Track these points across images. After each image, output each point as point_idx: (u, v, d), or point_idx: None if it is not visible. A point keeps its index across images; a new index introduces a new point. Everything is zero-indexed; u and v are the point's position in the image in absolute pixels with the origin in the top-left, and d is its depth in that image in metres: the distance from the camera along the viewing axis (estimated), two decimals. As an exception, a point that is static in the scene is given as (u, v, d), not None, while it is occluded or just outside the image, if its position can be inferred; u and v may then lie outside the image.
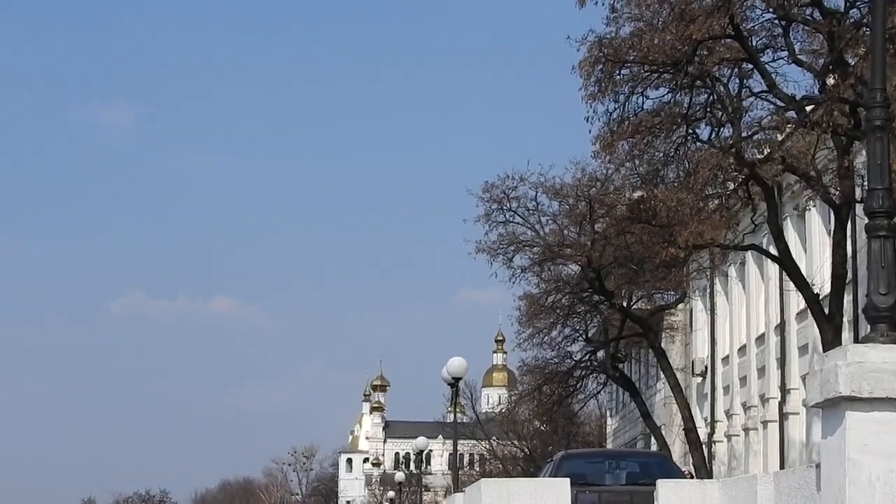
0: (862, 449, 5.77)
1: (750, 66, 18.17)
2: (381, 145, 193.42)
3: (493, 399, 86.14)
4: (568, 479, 13.70)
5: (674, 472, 17.26)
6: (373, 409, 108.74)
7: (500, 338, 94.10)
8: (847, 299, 21.01)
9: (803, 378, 24.34)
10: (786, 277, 23.59)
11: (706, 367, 35.10)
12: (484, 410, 71.27)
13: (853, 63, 16.88)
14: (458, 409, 37.55)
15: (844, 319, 20.99)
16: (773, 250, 22.55)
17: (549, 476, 16.26)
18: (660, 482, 12.70)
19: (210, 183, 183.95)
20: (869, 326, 5.97)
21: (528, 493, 13.55)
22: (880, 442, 5.74)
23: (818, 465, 6.79)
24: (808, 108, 17.73)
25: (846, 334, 21.64)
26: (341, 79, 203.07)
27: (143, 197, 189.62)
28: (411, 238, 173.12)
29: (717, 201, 21.61)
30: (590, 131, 18.96)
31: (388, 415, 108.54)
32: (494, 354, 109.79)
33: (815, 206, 23.85)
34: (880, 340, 5.98)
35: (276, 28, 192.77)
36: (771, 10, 17.65)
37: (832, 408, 6.06)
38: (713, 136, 19.13)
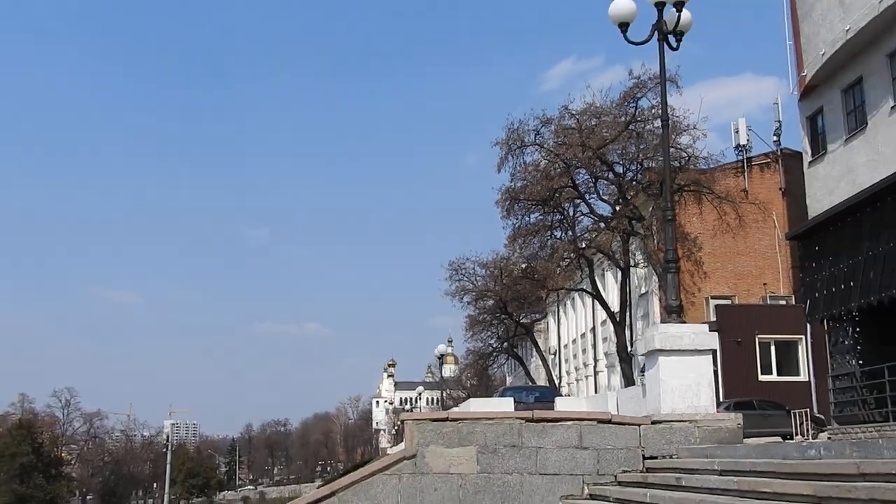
0: (667, 375, 10.33)
1: (580, 201, 34.77)
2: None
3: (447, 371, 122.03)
4: (511, 398, 28.01)
5: (558, 395, 33.44)
6: (388, 376, 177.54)
7: (451, 339, 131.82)
8: (628, 314, 38.60)
9: (606, 354, 43.60)
10: (597, 304, 41.31)
11: (556, 350, 55.56)
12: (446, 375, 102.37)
13: (631, 196, 33.82)
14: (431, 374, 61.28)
15: (627, 325, 38.39)
16: (590, 289, 39.68)
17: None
18: (557, 399, 28.43)
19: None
20: (660, 318, 19.82)
21: (495, 403, 27.76)
22: (674, 371, 10.34)
23: (643, 385, 11.69)
24: (610, 221, 34.62)
25: (628, 332, 39.16)
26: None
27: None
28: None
29: (563, 266, 38.52)
30: (504, 231, 35.43)
31: (396, 378, 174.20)
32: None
33: (611, 268, 41.66)
34: (672, 321, 10.86)
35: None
36: (588, 174, 34.37)
37: (652, 356, 10.56)
38: (563, 235, 35.74)
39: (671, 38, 11.94)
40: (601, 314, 45.55)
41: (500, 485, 10.07)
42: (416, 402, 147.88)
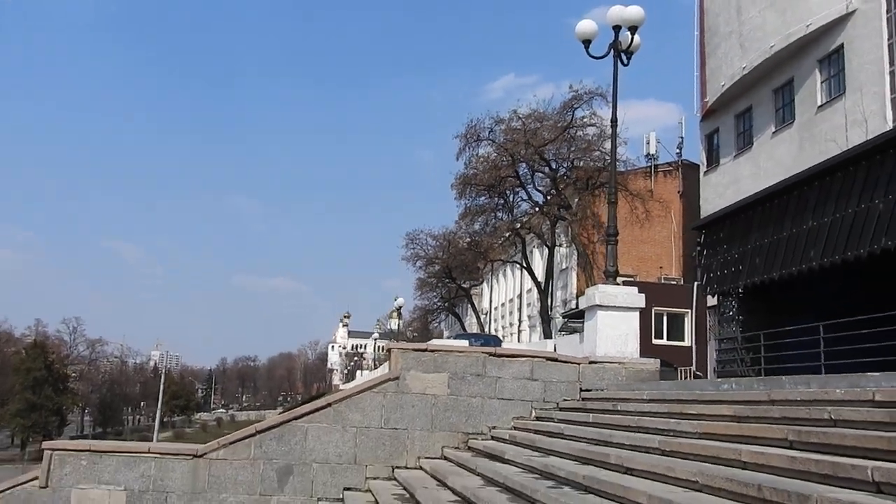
0: (603, 325, 10.66)
1: (520, 189, 35.04)
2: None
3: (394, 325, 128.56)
4: (465, 340, 28.74)
5: (499, 343, 33.92)
6: (343, 325, 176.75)
7: (397, 298, 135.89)
8: (550, 285, 39.08)
9: (528, 316, 44.07)
10: (525, 275, 41.70)
11: (487, 311, 54.58)
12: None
13: (562, 188, 34.17)
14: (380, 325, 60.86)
15: (549, 294, 38.95)
16: (523, 263, 40.06)
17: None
18: (502, 345, 28.86)
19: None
20: (576, 290, 21.17)
21: (453, 343, 28.29)
22: (609, 323, 10.65)
23: (581, 333, 15.67)
24: (543, 207, 34.96)
25: (549, 299, 39.71)
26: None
27: None
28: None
29: (501, 241, 38.83)
30: (457, 209, 35.46)
31: (350, 327, 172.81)
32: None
33: (539, 247, 42.00)
34: (609, 283, 11.12)
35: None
36: (528, 168, 34.63)
37: (592, 310, 10.88)
38: (504, 216, 36.00)
39: (623, 56, 12.10)
40: (527, 284, 46.18)
41: (466, 405, 10.23)
42: (365, 348, 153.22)
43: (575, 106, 30.00)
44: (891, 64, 22.18)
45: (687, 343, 31.72)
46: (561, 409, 10.13)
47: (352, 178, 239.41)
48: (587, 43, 12.28)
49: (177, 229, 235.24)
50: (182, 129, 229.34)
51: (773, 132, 28.03)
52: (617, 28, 11.96)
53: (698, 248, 18.31)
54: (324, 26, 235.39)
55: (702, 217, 32.73)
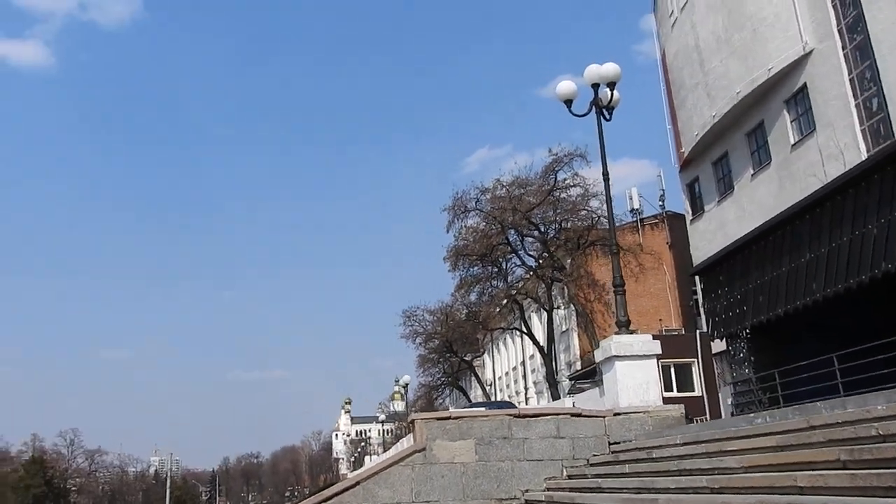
0: (623, 376, 10.63)
1: (512, 255, 35.20)
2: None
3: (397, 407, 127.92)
4: (483, 408, 28.19)
5: (515, 407, 33.31)
6: (345, 412, 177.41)
7: (398, 379, 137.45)
8: (554, 346, 38.84)
9: (534, 383, 43.62)
10: (525, 341, 41.43)
11: (491, 381, 54.12)
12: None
13: (553, 250, 34.34)
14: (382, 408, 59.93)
15: (552, 357, 38.64)
16: (523, 328, 39.86)
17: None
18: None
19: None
20: (580, 351, 21.04)
21: (471, 412, 28.49)
22: (628, 372, 10.63)
23: (600, 387, 15.06)
24: (537, 270, 35.06)
25: (553, 363, 39.39)
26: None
27: None
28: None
29: (499, 310, 38.80)
30: (454, 281, 35.49)
31: (352, 413, 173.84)
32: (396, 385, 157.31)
33: (536, 311, 41.91)
34: (623, 332, 11.22)
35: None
36: (516, 233, 34.87)
37: (608, 361, 10.78)
38: (499, 284, 36.05)
39: (605, 112, 12.45)
40: (528, 349, 45.87)
41: (496, 470, 10.04)
42: (370, 433, 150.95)
43: (556, 168, 30.59)
44: (855, 97, 22.89)
45: (697, 393, 31.47)
46: (592, 465, 9.96)
47: (327, 261, 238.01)
48: (569, 102, 12.65)
49: (164, 329, 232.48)
50: (146, 218, 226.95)
51: (752, 174, 28.57)
52: (596, 86, 12.34)
53: (700, 294, 18.35)
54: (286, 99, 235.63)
55: (695, 264, 32.99)
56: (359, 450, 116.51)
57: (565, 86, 12.60)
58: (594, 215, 31.10)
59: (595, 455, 10.17)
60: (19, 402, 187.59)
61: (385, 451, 78.55)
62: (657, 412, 10.49)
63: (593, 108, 12.41)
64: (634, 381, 10.67)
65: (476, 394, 52.96)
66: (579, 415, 10.46)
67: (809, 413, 6.55)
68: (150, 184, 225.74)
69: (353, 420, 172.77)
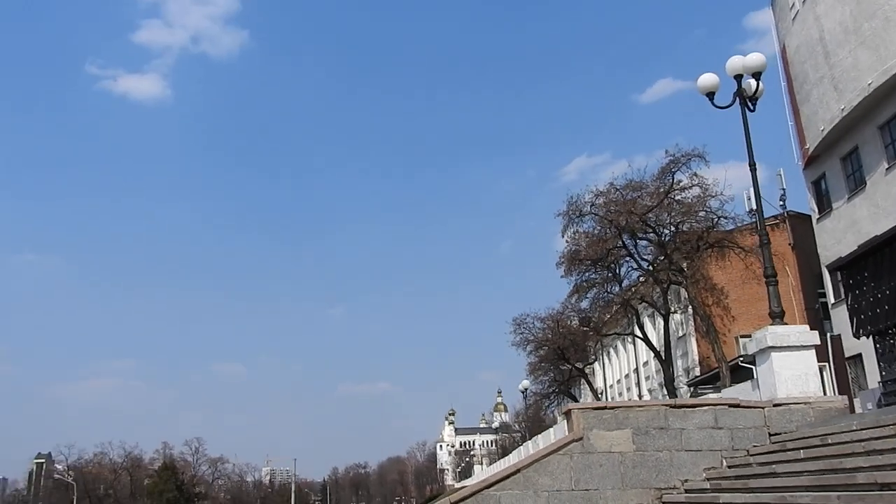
0: (780, 367, 10.44)
1: (629, 258, 34.52)
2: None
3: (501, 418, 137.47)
4: None
5: None
6: (449, 423, 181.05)
7: (500, 391, 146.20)
8: (671, 352, 37.86)
9: (649, 390, 42.35)
10: (639, 347, 40.57)
11: (603, 389, 53.63)
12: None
13: (670, 252, 33.58)
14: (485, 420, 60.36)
15: (671, 361, 37.67)
16: (639, 334, 39.09)
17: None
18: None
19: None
20: (698, 356, 20.38)
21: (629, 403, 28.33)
22: (785, 363, 10.39)
23: (753, 381, 14.04)
24: (657, 273, 34.28)
25: (673, 369, 38.40)
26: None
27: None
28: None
29: (609, 316, 38.30)
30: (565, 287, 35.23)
31: (455, 424, 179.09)
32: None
33: (650, 316, 41.01)
34: (777, 323, 11.23)
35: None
36: (630, 237, 34.04)
37: (764, 353, 10.62)
38: (616, 288, 35.47)
39: (750, 103, 12.29)
40: (642, 356, 44.95)
41: (654, 460, 10.04)
42: (473, 444, 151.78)
43: (674, 170, 29.94)
44: None
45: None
46: (753, 455, 9.80)
47: (431, 271, 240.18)
48: (711, 95, 12.56)
49: (276, 345, 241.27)
50: (256, 232, 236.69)
51: (887, 168, 27.21)
52: (738, 77, 12.21)
53: (843, 290, 17.64)
54: (386, 118, 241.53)
55: (824, 264, 31.58)
56: (467, 459, 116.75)
57: (707, 78, 12.53)
58: (713, 216, 30.25)
59: (755, 446, 10.01)
60: (150, 416, 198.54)
61: (490, 463, 77.97)
62: (819, 403, 10.22)
63: (737, 99, 12.26)
64: (793, 371, 10.44)
65: (587, 402, 52.24)
66: (738, 405, 10.32)
67: None
68: (265, 204, 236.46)
69: (457, 431, 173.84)
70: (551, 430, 25.07)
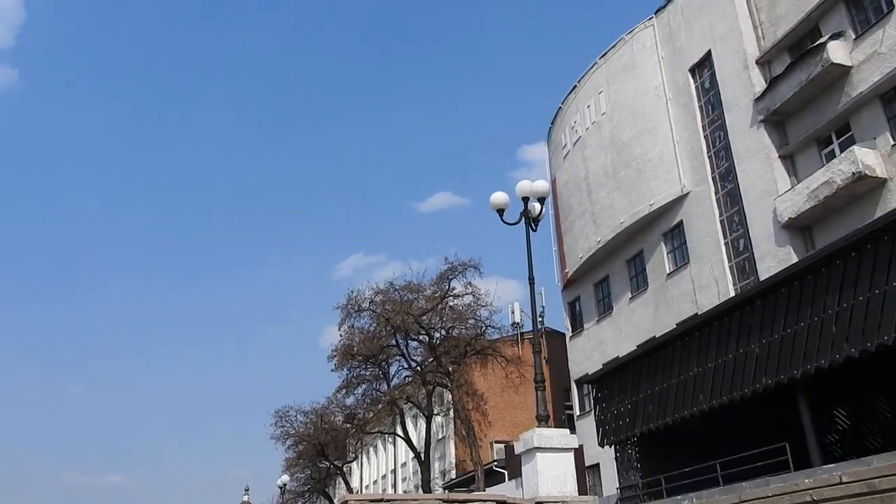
0: (543, 467, 11.07)
1: (400, 357, 35.31)
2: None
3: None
4: None
5: None
6: None
7: (247, 487, 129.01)
8: (430, 454, 38.80)
9: (404, 491, 42.63)
10: (399, 447, 41.06)
11: (358, 489, 52.27)
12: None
13: (438, 356, 34.97)
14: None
15: (431, 462, 38.54)
16: (401, 433, 39.60)
17: None
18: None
19: None
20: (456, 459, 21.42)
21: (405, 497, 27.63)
22: (549, 465, 11.11)
23: (517, 479, 17.54)
24: (424, 374, 35.36)
25: (430, 470, 39.25)
26: None
27: None
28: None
29: (378, 412, 38.56)
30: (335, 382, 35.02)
31: None
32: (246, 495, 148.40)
33: (413, 417, 41.94)
34: (543, 426, 11.77)
35: None
36: (403, 337, 35.14)
37: (530, 453, 11.29)
38: (384, 386, 35.93)
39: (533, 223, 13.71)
40: (401, 457, 45.44)
41: (424, 554, 10.25)
42: None
43: (450, 276, 31.74)
44: (725, 237, 25.92)
45: None
46: (515, 552, 10.37)
47: (195, 348, 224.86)
48: (500, 212, 13.84)
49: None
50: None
51: (630, 298, 31.06)
52: (525, 199, 13.64)
53: (595, 402, 19.59)
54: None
55: (574, 378, 34.66)
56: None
57: (498, 197, 13.82)
58: (482, 324, 32.25)
59: (518, 541, 10.60)
60: None
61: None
62: (574, 502, 11.15)
63: (522, 218, 13.63)
64: (554, 472, 11.31)
65: (366, 494, 51.18)
66: (504, 502, 10.93)
67: (737, 492, 7.49)
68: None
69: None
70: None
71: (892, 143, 20.54)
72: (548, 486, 11.23)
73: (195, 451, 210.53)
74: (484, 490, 27.59)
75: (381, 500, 10.44)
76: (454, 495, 11.34)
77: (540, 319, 42.39)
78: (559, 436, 11.66)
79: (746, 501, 6.98)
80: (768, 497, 6.76)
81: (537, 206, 13.76)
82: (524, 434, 11.97)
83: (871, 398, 16.69)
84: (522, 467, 11.95)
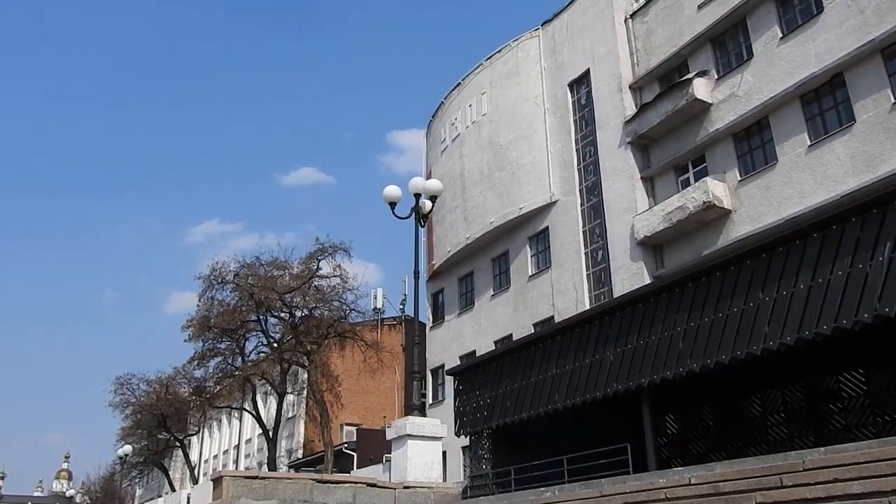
0: (413, 454, 11.79)
1: (259, 332, 34.69)
2: None
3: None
4: None
5: None
6: None
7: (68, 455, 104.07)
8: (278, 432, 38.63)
9: (247, 468, 42.31)
10: (245, 423, 40.56)
11: (197, 463, 50.50)
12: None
13: (300, 334, 34.77)
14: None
15: (279, 440, 38.38)
16: (253, 410, 39.08)
17: None
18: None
19: None
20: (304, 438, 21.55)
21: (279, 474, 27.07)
22: (418, 452, 11.79)
23: (384, 464, 18.23)
24: (282, 353, 35.07)
25: (281, 444, 39.12)
26: None
27: None
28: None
29: (221, 388, 37.91)
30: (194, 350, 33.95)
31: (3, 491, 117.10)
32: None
33: (265, 394, 41.54)
34: (416, 415, 12.39)
35: None
36: (266, 311, 34.70)
37: (401, 439, 11.96)
38: (239, 361, 35.31)
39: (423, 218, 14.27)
40: (246, 433, 44.80)
41: (294, 532, 10.56)
42: None
43: (320, 257, 31.71)
44: (585, 246, 27.71)
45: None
46: (382, 532, 10.92)
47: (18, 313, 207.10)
48: (393, 205, 14.27)
49: None
50: None
51: (492, 295, 32.42)
52: (417, 195, 14.18)
53: (456, 394, 20.48)
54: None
55: (430, 367, 35.65)
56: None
57: (391, 190, 14.24)
58: (346, 308, 32.50)
59: (384, 523, 11.16)
60: None
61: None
62: (440, 488, 11.85)
63: (413, 213, 14.15)
64: (423, 459, 11.97)
65: (176, 476, 49.67)
66: (374, 485, 11.44)
67: (601, 486, 8.41)
68: None
69: (3, 499, 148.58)
70: (160, 500, 23.73)
71: (738, 178, 22.85)
72: (416, 472, 11.88)
73: (7, 415, 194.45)
74: (332, 471, 27.98)
75: (256, 477, 10.62)
76: (328, 476, 11.70)
77: (401, 307, 43.23)
78: (430, 425, 12.33)
79: (607, 496, 7.87)
80: (627, 493, 7.68)
81: (428, 203, 14.32)
82: (397, 421, 12.55)
83: (699, 408, 18.61)
84: (392, 452, 12.54)
